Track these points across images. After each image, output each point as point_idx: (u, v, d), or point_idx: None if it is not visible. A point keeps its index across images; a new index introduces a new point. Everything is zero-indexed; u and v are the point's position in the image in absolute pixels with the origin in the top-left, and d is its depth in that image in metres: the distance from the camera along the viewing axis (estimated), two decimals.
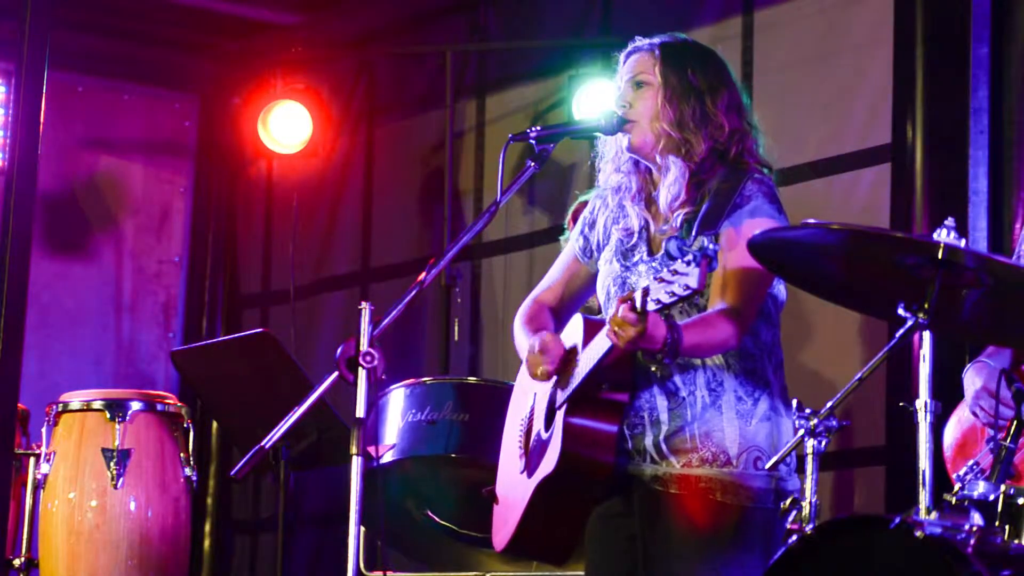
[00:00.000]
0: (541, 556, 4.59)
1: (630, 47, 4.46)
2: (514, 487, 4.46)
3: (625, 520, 4.33)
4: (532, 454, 4.39)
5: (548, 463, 4.26)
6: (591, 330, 4.25)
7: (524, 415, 4.54)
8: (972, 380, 4.55)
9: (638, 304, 3.92)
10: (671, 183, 4.35)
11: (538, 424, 4.41)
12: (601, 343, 4.12)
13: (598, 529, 4.39)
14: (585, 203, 6.12)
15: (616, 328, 4.00)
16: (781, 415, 4.32)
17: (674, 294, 3.86)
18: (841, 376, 6.49)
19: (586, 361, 4.21)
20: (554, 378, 4.35)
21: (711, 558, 4.20)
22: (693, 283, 3.83)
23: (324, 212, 8.82)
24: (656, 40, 4.43)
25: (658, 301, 3.89)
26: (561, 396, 4.30)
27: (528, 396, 4.54)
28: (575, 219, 6.12)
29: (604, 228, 4.49)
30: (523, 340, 4.45)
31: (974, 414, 4.55)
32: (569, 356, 4.33)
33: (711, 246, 3.84)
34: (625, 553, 4.34)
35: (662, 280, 3.88)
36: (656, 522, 4.26)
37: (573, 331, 4.36)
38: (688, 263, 3.83)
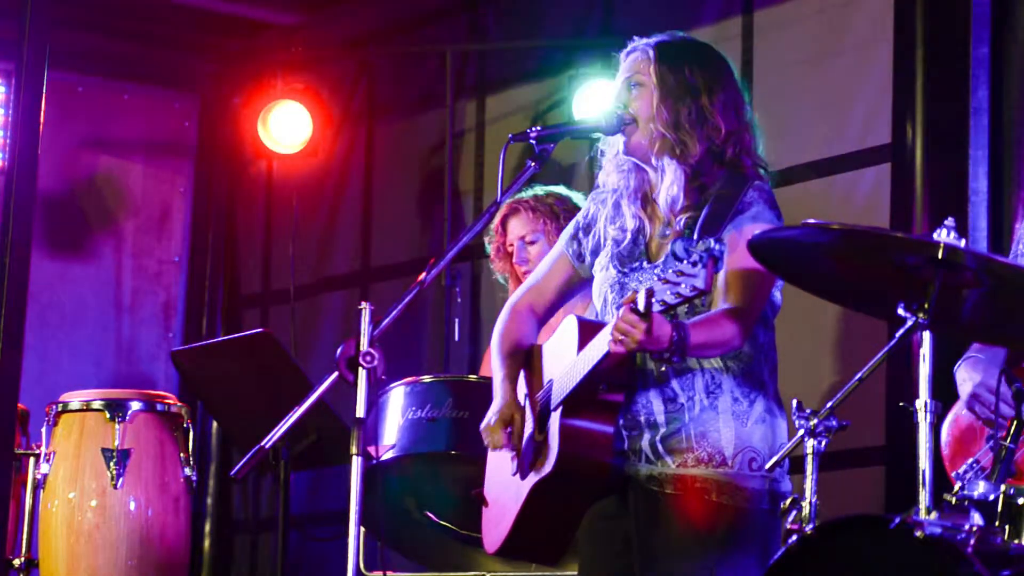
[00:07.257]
0: (534, 557, 4.57)
1: (629, 47, 4.44)
2: (505, 489, 4.44)
3: (621, 521, 4.32)
4: (524, 456, 4.37)
5: (545, 465, 4.24)
6: (586, 332, 4.21)
7: None
8: (969, 375, 4.53)
9: (641, 305, 3.87)
10: (668, 186, 4.33)
11: (529, 426, 4.39)
12: (599, 346, 4.08)
13: (593, 529, 4.38)
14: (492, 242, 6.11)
15: (620, 332, 3.96)
16: (776, 417, 4.32)
17: (680, 295, 3.82)
18: (841, 376, 6.49)
19: (583, 363, 4.18)
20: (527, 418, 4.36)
21: (706, 558, 4.19)
22: (700, 284, 3.78)
23: (324, 212, 8.82)
24: (653, 40, 4.41)
25: (663, 303, 3.84)
26: (556, 398, 4.28)
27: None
28: (497, 253, 6.10)
29: (602, 230, 4.47)
30: (497, 363, 4.44)
31: (970, 409, 4.54)
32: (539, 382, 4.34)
33: (717, 247, 3.79)
34: (620, 554, 4.32)
35: (667, 281, 3.83)
36: (651, 522, 4.25)
37: (566, 334, 4.33)
38: (695, 264, 3.79)
